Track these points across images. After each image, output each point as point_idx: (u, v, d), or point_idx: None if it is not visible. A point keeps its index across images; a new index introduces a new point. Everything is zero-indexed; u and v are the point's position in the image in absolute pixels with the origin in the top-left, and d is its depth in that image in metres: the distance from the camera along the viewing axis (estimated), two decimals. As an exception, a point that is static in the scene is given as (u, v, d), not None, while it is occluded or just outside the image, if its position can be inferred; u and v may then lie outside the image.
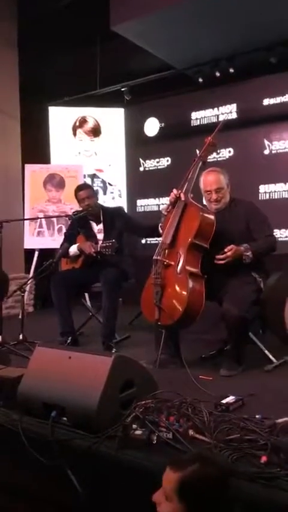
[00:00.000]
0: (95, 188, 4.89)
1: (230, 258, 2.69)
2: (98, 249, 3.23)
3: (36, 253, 4.92)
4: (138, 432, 1.69)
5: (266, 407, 1.99)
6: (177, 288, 2.66)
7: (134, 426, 1.70)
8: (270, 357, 2.79)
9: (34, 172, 5.07)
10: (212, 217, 2.77)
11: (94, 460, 1.71)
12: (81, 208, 3.53)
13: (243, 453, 1.54)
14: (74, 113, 5.74)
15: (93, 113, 5.75)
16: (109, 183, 5.76)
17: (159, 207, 5.67)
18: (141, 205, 5.88)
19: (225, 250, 2.70)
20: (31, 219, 4.86)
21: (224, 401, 2.01)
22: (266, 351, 2.81)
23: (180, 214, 2.80)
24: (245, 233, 2.85)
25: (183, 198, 2.81)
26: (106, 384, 1.79)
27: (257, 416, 1.81)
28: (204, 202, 3.03)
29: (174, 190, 2.86)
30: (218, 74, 4.88)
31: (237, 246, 2.73)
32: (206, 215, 2.77)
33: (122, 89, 5.51)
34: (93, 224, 3.56)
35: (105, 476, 1.71)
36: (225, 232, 2.80)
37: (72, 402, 1.81)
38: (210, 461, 1.25)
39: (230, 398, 2.03)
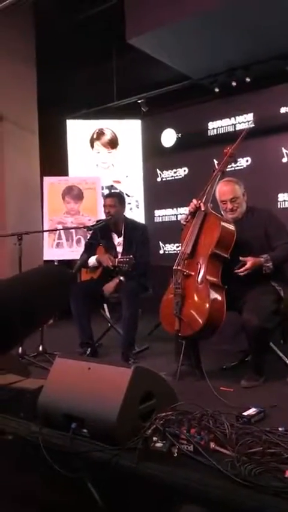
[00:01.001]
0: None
1: (249, 270, 2.67)
2: (116, 263, 3.23)
3: (55, 264, 4.95)
4: (159, 445, 1.66)
5: (289, 420, 1.94)
6: (198, 299, 2.64)
7: (155, 439, 1.68)
8: (292, 367, 2.73)
9: (53, 184, 5.13)
10: (232, 227, 2.75)
11: (114, 473, 1.70)
12: (104, 218, 3.56)
13: (267, 467, 1.50)
14: (91, 125, 5.81)
15: (110, 125, 5.82)
16: (127, 194, 5.78)
17: (177, 217, 5.67)
18: (158, 216, 5.89)
19: (242, 261, 2.68)
20: (49, 231, 4.91)
21: (245, 413, 1.97)
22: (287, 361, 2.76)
23: (200, 224, 2.79)
24: (264, 241, 2.83)
25: (203, 208, 2.81)
26: (126, 395, 1.77)
27: (280, 428, 1.77)
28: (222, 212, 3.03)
29: (194, 201, 2.86)
30: (234, 83, 4.88)
31: (256, 257, 2.71)
32: (227, 225, 2.76)
33: (139, 101, 5.57)
34: (115, 236, 3.57)
35: (125, 489, 1.69)
36: (243, 242, 2.78)
37: (91, 414, 1.80)
38: None
39: (252, 410, 2.00)
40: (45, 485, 1.87)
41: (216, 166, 2.95)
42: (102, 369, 1.92)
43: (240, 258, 2.70)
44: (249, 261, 2.68)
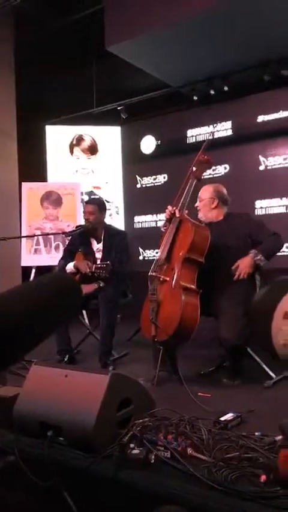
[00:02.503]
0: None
1: (245, 272, 2.72)
2: (94, 270, 3.22)
3: (33, 270, 4.91)
4: (136, 451, 1.66)
5: (266, 424, 1.95)
6: (171, 304, 2.66)
7: (132, 445, 1.67)
8: (270, 372, 2.76)
9: (31, 190, 5.10)
10: (206, 232, 2.79)
11: (91, 481, 1.68)
12: (83, 223, 3.55)
13: (243, 472, 1.51)
14: (70, 131, 5.80)
15: (90, 131, 5.82)
16: (106, 200, 5.77)
17: (156, 224, 5.70)
18: (138, 222, 5.90)
19: (233, 268, 2.75)
20: (27, 237, 4.86)
21: (222, 418, 1.98)
22: (265, 366, 2.79)
23: (175, 230, 2.82)
24: (245, 242, 2.87)
25: (177, 215, 2.84)
26: (103, 402, 1.76)
27: (256, 433, 1.78)
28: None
29: (169, 207, 2.89)
30: (212, 92, 4.95)
31: (241, 257, 2.77)
32: (200, 230, 2.79)
33: (118, 108, 5.58)
34: (94, 242, 3.56)
35: (103, 496, 1.67)
36: (222, 246, 2.82)
37: (68, 421, 1.78)
38: None
39: (229, 415, 2.00)
40: (21, 494, 1.84)
41: (190, 173, 2.99)
42: (79, 376, 1.90)
43: (232, 268, 2.75)
44: (240, 264, 2.73)
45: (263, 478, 1.46)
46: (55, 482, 1.69)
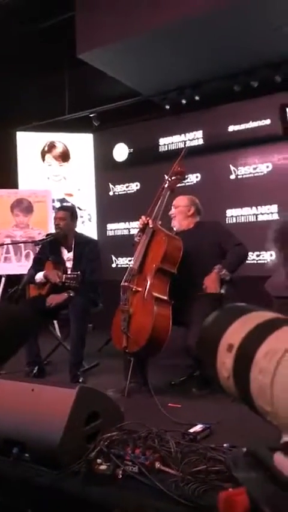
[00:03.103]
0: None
1: (213, 288, 2.74)
2: (63, 279, 3.17)
3: (3, 279, 4.81)
4: (103, 467, 1.63)
5: (235, 435, 1.96)
6: (143, 315, 2.65)
7: (99, 461, 1.64)
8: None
9: (1, 197, 5.01)
10: (178, 243, 2.79)
11: (57, 498, 1.64)
12: (54, 231, 3.49)
13: (211, 485, 1.50)
14: (42, 138, 5.75)
15: (62, 138, 5.78)
16: (79, 208, 5.73)
17: (129, 231, 5.69)
18: (111, 229, 5.88)
19: (203, 287, 2.78)
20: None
21: (191, 430, 1.97)
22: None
23: (148, 240, 2.81)
24: (214, 250, 2.90)
25: (151, 225, 2.84)
26: (70, 417, 1.72)
27: (224, 445, 1.78)
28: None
29: (143, 217, 2.89)
30: (184, 101, 4.99)
31: (208, 267, 2.80)
32: (173, 241, 2.79)
33: (91, 115, 5.57)
34: (64, 251, 3.50)
35: (69, 514, 1.63)
36: (194, 254, 2.83)
37: (34, 437, 1.73)
38: None
39: (198, 427, 2.00)
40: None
41: (165, 184, 2.99)
42: (46, 390, 1.86)
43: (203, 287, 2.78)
44: (207, 282, 2.76)
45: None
46: (20, 500, 1.64)
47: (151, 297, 2.65)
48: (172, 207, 3.07)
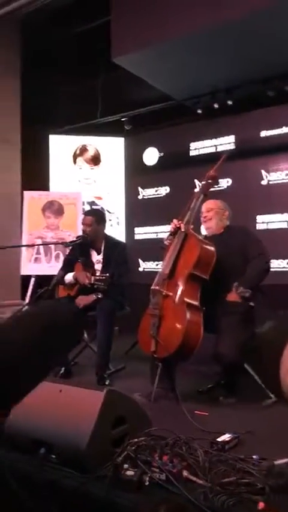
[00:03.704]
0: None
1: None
2: (92, 281, 3.18)
3: (33, 279, 4.86)
4: (130, 472, 1.61)
5: (264, 446, 1.91)
6: (175, 320, 2.61)
7: (126, 466, 1.63)
8: (268, 392, 2.71)
9: (33, 199, 5.07)
10: (212, 248, 2.75)
11: (83, 501, 1.63)
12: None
13: (240, 498, 1.46)
14: (74, 141, 5.81)
15: (93, 142, 5.82)
16: (108, 211, 5.77)
17: (157, 235, 5.67)
18: (139, 233, 5.88)
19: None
20: (25, 246, 4.82)
21: (219, 439, 1.93)
22: (263, 386, 2.74)
23: (180, 245, 2.78)
24: (238, 257, 2.85)
25: (183, 229, 2.80)
26: (97, 420, 1.71)
27: (254, 456, 1.74)
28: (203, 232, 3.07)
29: (175, 221, 2.86)
30: (216, 106, 4.96)
31: (230, 275, 2.77)
32: (206, 246, 2.75)
33: (122, 119, 5.59)
34: (94, 253, 3.52)
35: (94, 519, 1.62)
36: (224, 259, 2.78)
37: (61, 439, 1.74)
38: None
39: (226, 436, 1.96)
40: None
41: (198, 188, 2.97)
42: (73, 391, 1.86)
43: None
44: (229, 299, 2.75)
45: (261, 505, 1.41)
46: (45, 502, 1.64)
47: (183, 303, 2.62)
48: (203, 211, 3.01)
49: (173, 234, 2.85)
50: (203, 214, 3.00)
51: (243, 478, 1.56)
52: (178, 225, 2.82)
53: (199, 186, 2.98)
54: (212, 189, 3.05)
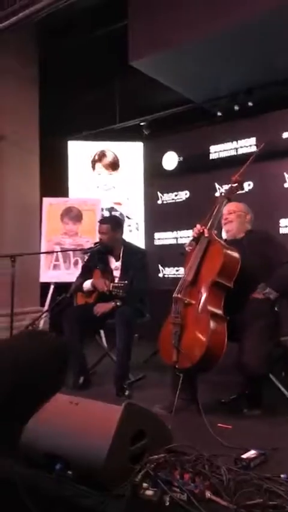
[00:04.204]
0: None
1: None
2: (111, 288, 3.11)
3: (52, 286, 4.84)
4: (150, 492, 1.52)
5: (292, 464, 1.80)
6: (198, 330, 2.50)
7: (145, 485, 1.54)
8: (296, 404, 2.59)
9: (52, 205, 5.06)
10: (236, 255, 2.64)
11: (100, 521, 1.55)
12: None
13: (268, 522, 1.36)
14: (93, 147, 5.79)
15: (112, 147, 5.79)
16: (127, 217, 5.72)
17: (177, 240, 5.59)
18: (158, 238, 5.80)
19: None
20: (43, 253, 4.81)
21: (244, 456, 1.83)
22: (291, 397, 2.62)
23: (203, 251, 2.68)
24: (261, 262, 2.73)
25: (206, 234, 2.70)
26: (115, 435, 1.63)
27: (282, 475, 1.62)
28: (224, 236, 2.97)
29: (198, 226, 2.76)
30: (236, 108, 4.86)
31: (253, 280, 2.65)
32: (231, 253, 2.64)
33: (141, 124, 5.54)
34: (112, 260, 3.46)
35: None
36: (246, 265, 2.67)
37: (78, 454, 1.65)
38: None
39: (252, 453, 1.85)
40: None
41: (219, 192, 2.88)
42: (91, 404, 1.79)
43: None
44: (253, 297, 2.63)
45: (290, 531, 1.30)
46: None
47: (207, 312, 2.51)
48: (225, 213, 2.90)
49: (196, 239, 2.75)
50: (224, 216, 2.89)
51: (270, 500, 1.46)
52: (201, 230, 2.72)
53: (219, 189, 2.88)
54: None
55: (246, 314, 2.63)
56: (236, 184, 2.85)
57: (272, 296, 2.62)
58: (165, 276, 5.65)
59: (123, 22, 4.53)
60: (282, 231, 4.77)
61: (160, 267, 5.71)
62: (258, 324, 2.57)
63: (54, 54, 5.24)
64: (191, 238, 2.79)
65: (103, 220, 3.54)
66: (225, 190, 2.87)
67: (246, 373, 2.53)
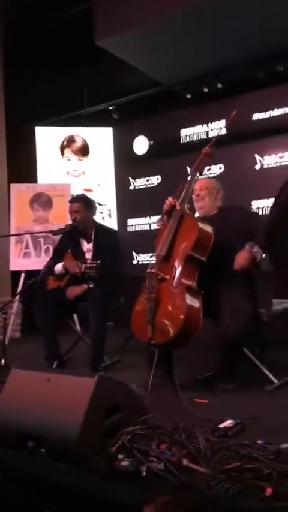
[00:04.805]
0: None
1: (241, 265, 2.56)
2: (83, 269, 3.05)
3: (23, 275, 4.72)
4: (125, 463, 1.48)
5: (269, 431, 1.79)
6: (173, 304, 2.47)
7: (121, 456, 1.50)
8: (271, 376, 2.59)
9: (20, 192, 4.93)
10: (210, 229, 2.61)
11: (75, 496, 1.50)
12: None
13: (246, 484, 1.34)
14: (61, 132, 5.67)
15: (81, 133, 5.68)
16: (98, 203, 5.62)
17: (150, 226, 5.55)
18: (132, 225, 5.75)
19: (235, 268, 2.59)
20: (14, 235, 4.66)
21: (221, 425, 1.81)
22: (266, 371, 2.62)
23: (176, 225, 2.63)
24: (242, 236, 2.70)
25: (178, 207, 2.66)
26: (88, 408, 1.58)
27: (258, 441, 1.61)
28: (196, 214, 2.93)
29: (170, 198, 2.70)
30: (206, 90, 4.83)
31: (235, 252, 2.61)
32: (204, 227, 2.61)
33: (110, 108, 5.46)
34: (84, 242, 3.38)
35: (89, 514, 1.49)
36: (219, 241, 2.64)
37: (50, 431, 1.60)
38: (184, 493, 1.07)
39: (229, 422, 1.84)
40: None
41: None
42: (62, 379, 1.73)
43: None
44: (238, 257, 2.57)
45: (269, 491, 1.28)
46: (36, 497, 1.51)
47: (182, 286, 2.48)
48: (196, 189, 2.86)
49: (168, 213, 2.70)
50: (195, 193, 2.85)
51: (248, 464, 1.44)
52: (173, 203, 2.67)
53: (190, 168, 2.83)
54: (204, 176, 2.92)
55: (221, 288, 2.60)
56: (206, 158, 2.81)
57: (258, 256, 2.58)
58: (140, 262, 5.61)
59: (89, 3, 4.43)
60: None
61: (134, 254, 5.67)
62: (235, 295, 2.55)
63: (20, 37, 5.09)
64: (163, 212, 2.74)
65: (75, 199, 3.46)
66: (196, 163, 2.81)
67: (228, 343, 2.49)
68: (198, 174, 2.81)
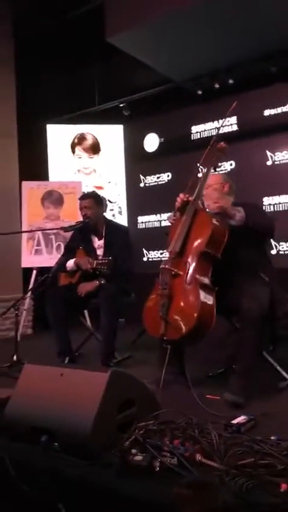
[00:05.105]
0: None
1: (219, 206, 2.53)
2: (95, 265, 3.05)
3: (34, 272, 4.75)
4: (139, 458, 1.48)
5: (282, 427, 1.78)
6: (187, 301, 2.44)
7: (134, 451, 1.50)
8: (284, 373, 2.57)
9: (32, 189, 4.95)
10: (224, 225, 2.57)
11: (88, 491, 1.51)
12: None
13: (260, 480, 1.33)
14: (72, 130, 5.68)
15: (92, 130, 5.69)
16: (109, 200, 5.64)
17: (160, 223, 5.54)
18: (142, 222, 5.75)
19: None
20: (26, 231, 4.69)
21: (234, 421, 1.80)
22: (279, 368, 2.60)
23: (190, 220, 2.60)
24: (245, 232, 2.66)
25: (193, 204, 2.63)
26: (101, 403, 1.59)
27: (272, 437, 1.60)
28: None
29: (181, 195, 2.67)
30: (217, 86, 4.81)
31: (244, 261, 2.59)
32: (219, 223, 2.58)
33: (121, 105, 5.46)
34: (95, 239, 3.39)
35: (101, 508, 1.49)
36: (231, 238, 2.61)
37: (63, 425, 1.61)
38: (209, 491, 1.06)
39: (241, 418, 1.83)
40: (11, 506, 1.67)
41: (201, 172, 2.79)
42: (75, 374, 1.74)
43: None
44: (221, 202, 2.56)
45: (284, 487, 1.28)
46: (49, 492, 1.52)
47: (196, 282, 2.45)
48: (208, 187, 2.83)
49: (180, 209, 2.68)
50: (206, 189, 2.82)
51: (262, 460, 1.43)
52: (186, 199, 2.64)
53: (201, 170, 2.79)
54: (214, 173, 2.87)
55: (233, 284, 2.58)
56: (221, 153, 2.78)
57: (235, 218, 2.48)
58: (150, 259, 5.61)
59: (99, 1, 4.43)
60: (266, 209, 4.75)
61: (144, 251, 5.66)
62: (252, 283, 2.52)
63: (31, 36, 5.11)
64: (175, 209, 2.72)
65: (85, 196, 3.47)
66: (209, 159, 2.76)
67: (250, 316, 2.37)
68: (212, 170, 2.77)
